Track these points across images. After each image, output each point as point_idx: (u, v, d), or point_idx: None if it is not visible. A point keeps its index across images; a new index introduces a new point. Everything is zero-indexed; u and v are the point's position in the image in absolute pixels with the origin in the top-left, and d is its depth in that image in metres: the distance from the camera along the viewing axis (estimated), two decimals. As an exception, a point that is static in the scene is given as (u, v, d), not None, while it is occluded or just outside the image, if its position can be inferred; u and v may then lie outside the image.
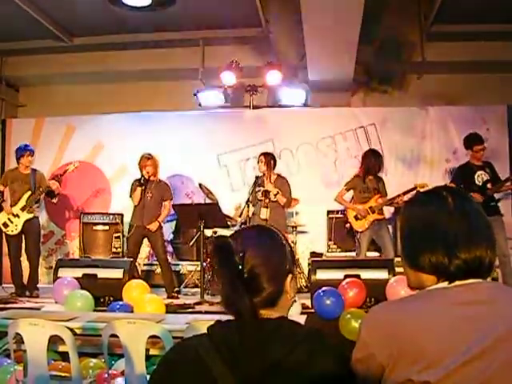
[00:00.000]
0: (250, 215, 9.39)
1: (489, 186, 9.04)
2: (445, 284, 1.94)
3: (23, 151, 9.66)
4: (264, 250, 2.16)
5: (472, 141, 9.23)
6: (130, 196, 9.57)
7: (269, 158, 9.44)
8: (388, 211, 9.88)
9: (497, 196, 9.27)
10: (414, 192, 9.35)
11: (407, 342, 1.83)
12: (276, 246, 2.22)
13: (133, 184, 9.57)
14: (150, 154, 9.51)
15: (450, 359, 1.78)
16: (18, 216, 9.45)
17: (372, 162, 9.50)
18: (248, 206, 9.28)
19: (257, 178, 9.43)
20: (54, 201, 10.05)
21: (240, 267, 2.07)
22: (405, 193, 9.41)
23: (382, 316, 1.94)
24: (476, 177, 9.08)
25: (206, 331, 2.11)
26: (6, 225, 9.45)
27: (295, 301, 2.25)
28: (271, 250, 2.18)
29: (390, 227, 9.91)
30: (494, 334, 1.79)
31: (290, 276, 2.16)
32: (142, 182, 9.38)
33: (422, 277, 2.00)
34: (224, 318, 2.14)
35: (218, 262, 2.13)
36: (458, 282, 1.93)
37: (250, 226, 2.42)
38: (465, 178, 9.18)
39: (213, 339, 2.05)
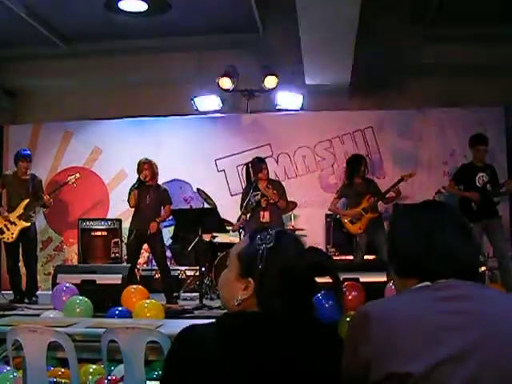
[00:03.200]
0: (247, 219, 9.43)
1: (488, 187, 9.06)
2: (427, 283, 1.97)
3: (18, 157, 9.72)
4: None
5: (475, 140, 9.28)
6: (128, 201, 9.58)
7: (259, 165, 9.51)
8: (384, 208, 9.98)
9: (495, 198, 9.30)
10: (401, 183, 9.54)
11: (392, 337, 1.84)
12: None
13: (129, 190, 9.58)
14: (146, 159, 9.55)
15: (432, 353, 1.79)
16: (14, 224, 9.45)
17: (354, 165, 9.67)
18: (246, 211, 9.31)
19: (250, 183, 9.46)
20: (46, 210, 10.07)
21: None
22: (393, 186, 9.54)
23: (367, 314, 1.95)
24: (477, 178, 9.10)
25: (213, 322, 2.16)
26: (1, 231, 9.45)
27: None
28: None
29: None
30: (477, 331, 1.80)
31: None
32: (136, 184, 9.41)
33: (408, 282, 2.04)
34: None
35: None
36: (439, 281, 1.96)
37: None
38: (465, 178, 9.23)
39: (224, 331, 2.08)
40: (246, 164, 9.77)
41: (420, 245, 2.02)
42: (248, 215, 9.45)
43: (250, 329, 2.06)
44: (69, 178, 9.99)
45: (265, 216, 9.28)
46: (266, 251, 2.14)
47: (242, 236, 9.62)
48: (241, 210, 9.43)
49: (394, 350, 1.83)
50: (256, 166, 9.43)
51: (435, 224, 2.05)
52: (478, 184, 9.08)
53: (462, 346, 1.78)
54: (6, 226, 9.45)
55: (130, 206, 9.52)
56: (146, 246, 9.83)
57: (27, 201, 9.50)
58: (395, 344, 1.83)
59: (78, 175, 10.10)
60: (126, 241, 9.99)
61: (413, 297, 1.95)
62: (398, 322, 1.86)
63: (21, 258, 9.70)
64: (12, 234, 9.44)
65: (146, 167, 9.46)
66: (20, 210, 9.47)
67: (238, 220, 9.56)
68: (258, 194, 9.32)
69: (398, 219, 2.21)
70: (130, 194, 9.51)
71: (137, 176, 9.50)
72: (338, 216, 10.31)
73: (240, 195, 10.03)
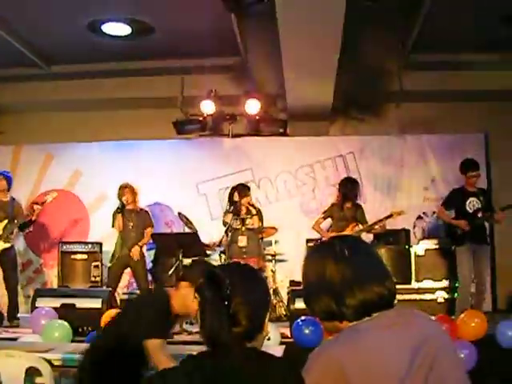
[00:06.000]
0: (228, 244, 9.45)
1: (479, 215, 9.05)
2: (365, 319, 2.03)
3: None
4: (250, 290, 2.25)
5: (467, 166, 9.22)
6: (113, 226, 9.59)
7: (245, 190, 9.58)
8: (367, 238, 9.91)
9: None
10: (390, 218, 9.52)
11: (353, 373, 1.86)
12: (259, 285, 2.34)
13: (113, 215, 9.59)
14: (126, 183, 9.58)
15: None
16: None
17: (348, 189, 9.60)
18: (227, 235, 9.34)
19: (235, 206, 9.49)
20: (30, 229, 10.02)
21: (226, 303, 2.12)
22: (381, 220, 9.50)
23: (323, 357, 1.97)
24: (468, 203, 9.05)
25: (179, 364, 2.16)
26: None
27: (269, 338, 2.35)
28: (256, 291, 2.28)
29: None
30: (423, 352, 1.89)
31: (267, 314, 2.24)
32: (119, 208, 9.43)
33: (338, 324, 2.09)
34: (202, 348, 2.18)
35: (208, 294, 2.18)
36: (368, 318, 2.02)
37: (237, 262, 2.47)
38: (456, 203, 9.20)
39: (188, 372, 2.08)
40: (232, 187, 9.80)
41: (327, 297, 2.07)
42: (228, 239, 9.46)
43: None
44: (46, 197, 9.90)
45: (242, 241, 9.32)
46: None
47: (222, 259, 9.62)
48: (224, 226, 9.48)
49: None
50: (241, 191, 9.48)
51: (340, 271, 2.08)
52: (468, 209, 9.04)
53: (411, 373, 1.85)
54: (-16, 248, 9.38)
55: (118, 231, 9.53)
56: (127, 269, 9.83)
57: (5, 222, 9.43)
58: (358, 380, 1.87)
59: (55, 194, 10.03)
60: (106, 264, 9.96)
61: (360, 333, 1.97)
62: (354, 359, 1.89)
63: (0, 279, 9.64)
64: None
65: (127, 191, 9.51)
66: (-1, 231, 9.41)
67: (220, 242, 9.57)
68: (237, 219, 9.35)
69: (307, 267, 2.24)
70: (114, 218, 9.51)
71: (117, 200, 9.52)
72: (319, 241, 10.33)
73: (221, 219, 10.06)
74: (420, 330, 1.97)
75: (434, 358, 1.90)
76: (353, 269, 2.07)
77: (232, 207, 9.52)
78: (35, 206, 9.51)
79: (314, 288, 2.14)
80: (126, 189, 9.51)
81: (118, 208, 9.45)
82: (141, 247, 9.54)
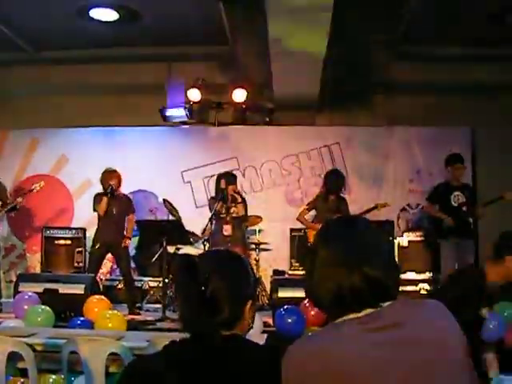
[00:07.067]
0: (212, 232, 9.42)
1: (464, 209, 9.11)
2: (352, 315, 1.88)
3: None
4: (228, 275, 2.21)
5: (452, 160, 9.33)
6: (95, 209, 9.51)
7: (231, 179, 9.57)
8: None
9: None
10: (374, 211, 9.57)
11: (329, 376, 1.76)
12: (240, 272, 2.28)
13: (96, 197, 9.51)
14: (113, 168, 9.52)
15: None
16: None
17: (334, 181, 9.60)
18: (211, 223, 9.30)
19: (222, 194, 9.47)
20: (13, 214, 9.98)
21: (203, 288, 2.10)
22: (365, 212, 9.52)
23: (300, 354, 1.86)
24: (452, 197, 9.14)
25: (161, 350, 2.16)
26: None
27: (252, 327, 2.29)
28: (235, 276, 2.23)
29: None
30: (408, 361, 1.75)
31: (249, 302, 2.20)
32: (108, 192, 9.33)
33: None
34: (183, 336, 2.18)
35: (182, 280, 2.17)
36: (356, 314, 1.87)
37: (218, 249, 2.45)
38: (440, 197, 9.27)
39: (169, 358, 2.08)
40: (219, 175, 9.76)
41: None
42: (212, 227, 9.43)
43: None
44: (33, 186, 9.87)
45: (227, 230, 9.31)
46: None
47: (206, 248, 9.60)
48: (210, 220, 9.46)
49: None
50: (228, 180, 9.45)
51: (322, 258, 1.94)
52: (453, 203, 9.13)
53: (395, 380, 1.73)
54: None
55: (100, 213, 9.43)
56: (109, 255, 9.79)
57: (-12, 206, 9.39)
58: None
59: (42, 183, 10.00)
60: (90, 249, 9.92)
61: (341, 333, 1.84)
62: (331, 361, 1.77)
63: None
64: None
65: (116, 176, 9.43)
66: (-18, 216, 9.36)
67: (204, 231, 9.54)
68: (223, 207, 9.34)
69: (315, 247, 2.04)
70: (98, 201, 9.41)
71: (100, 185, 9.47)
72: (302, 231, 10.36)
73: (205, 207, 10.04)
74: (414, 336, 1.79)
75: (426, 373, 1.74)
76: (330, 254, 1.92)
77: (220, 195, 9.48)
78: (17, 200, 9.49)
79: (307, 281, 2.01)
80: (114, 173, 9.43)
81: (107, 192, 9.34)
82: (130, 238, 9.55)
